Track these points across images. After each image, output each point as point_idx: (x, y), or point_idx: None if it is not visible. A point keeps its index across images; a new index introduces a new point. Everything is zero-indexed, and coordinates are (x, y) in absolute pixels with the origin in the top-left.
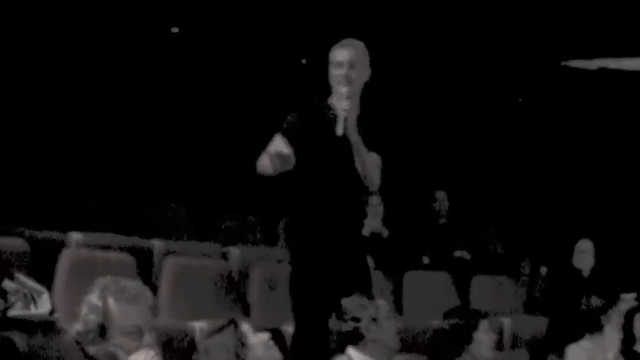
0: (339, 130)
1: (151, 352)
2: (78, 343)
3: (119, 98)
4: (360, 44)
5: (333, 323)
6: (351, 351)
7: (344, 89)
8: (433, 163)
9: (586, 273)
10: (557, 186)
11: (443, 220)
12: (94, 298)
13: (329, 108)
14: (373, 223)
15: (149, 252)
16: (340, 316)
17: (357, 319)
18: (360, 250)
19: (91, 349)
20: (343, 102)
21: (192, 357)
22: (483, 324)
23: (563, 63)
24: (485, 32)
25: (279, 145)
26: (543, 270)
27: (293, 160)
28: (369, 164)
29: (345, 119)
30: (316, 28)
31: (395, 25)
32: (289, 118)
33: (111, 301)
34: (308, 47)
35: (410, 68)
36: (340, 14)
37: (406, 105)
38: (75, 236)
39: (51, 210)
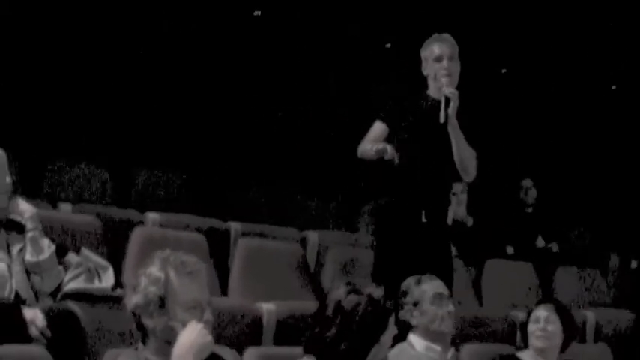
0: (442, 117)
1: (199, 325)
2: (135, 315)
3: (186, 87)
4: (451, 38)
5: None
6: (411, 337)
7: (444, 79)
8: (522, 152)
9: None
10: None
11: (529, 210)
12: (154, 270)
13: (427, 99)
14: (457, 211)
15: (226, 233)
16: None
17: (401, 305)
18: (444, 238)
19: (150, 322)
20: (449, 88)
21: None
22: (534, 312)
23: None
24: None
25: (382, 145)
26: (633, 264)
27: (395, 156)
28: (466, 151)
29: (450, 105)
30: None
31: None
32: (388, 103)
33: (172, 274)
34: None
35: (498, 54)
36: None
37: (497, 93)
38: (152, 216)
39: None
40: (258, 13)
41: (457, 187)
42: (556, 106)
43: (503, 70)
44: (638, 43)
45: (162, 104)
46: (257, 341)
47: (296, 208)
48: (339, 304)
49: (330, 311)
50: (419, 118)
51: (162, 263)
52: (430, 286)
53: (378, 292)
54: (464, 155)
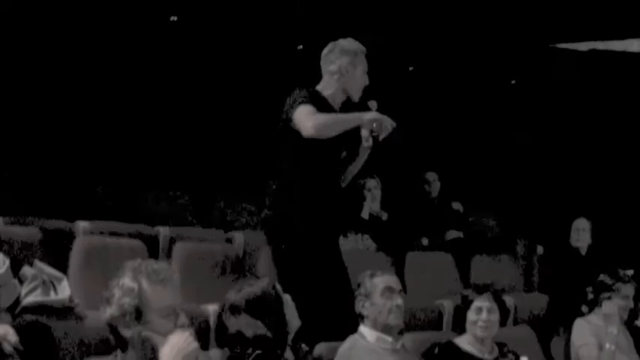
0: (369, 142)
1: (187, 333)
2: (112, 326)
3: (123, 94)
4: None
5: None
6: (362, 328)
7: (375, 104)
8: (424, 145)
9: (584, 251)
10: (552, 165)
11: (435, 202)
12: (127, 280)
13: (334, 100)
14: (372, 206)
15: (155, 239)
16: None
17: (354, 297)
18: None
19: (127, 332)
20: (388, 120)
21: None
22: (475, 303)
23: (552, 45)
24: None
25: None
26: (540, 249)
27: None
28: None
29: (381, 135)
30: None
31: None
32: (302, 92)
33: (145, 283)
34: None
35: (401, 54)
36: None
37: (398, 88)
38: (82, 224)
39: (58, 201)
40: (174, 18)
41: (371, 183)
42: (457, 99)
43: (411, 68)
44: (536, 40)
45: (83, 115)
46: (205, 343)
47: (214, 210)
48: (232, 307)
49: (226, 315)
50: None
51: (134, 273)
52: (381, 280)
53: (262, 284)
54: (357, 169)
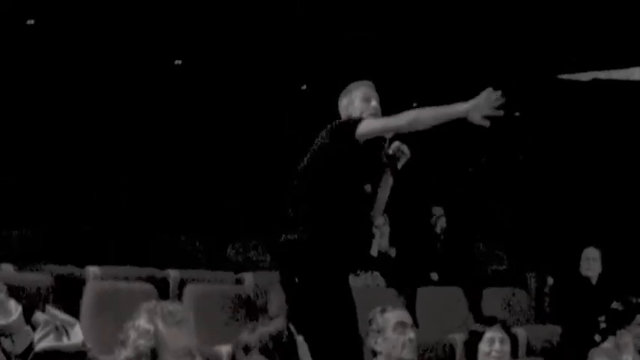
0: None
1: None
2: None
3: (132, 139)
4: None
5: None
6: None
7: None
8: (431, 180)
9: (594, 280)
10: (560, 196)
11: (442, 237)
12: (143, 322)
13: None
14: (380, 242)
15: (165, 281)
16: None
17: (366, 333)
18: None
19: None
20: (404, 145)
21: None
22: (487, 334)
23: (556, 76)
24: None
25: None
26: (550, 280)
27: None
28: (385, 200)
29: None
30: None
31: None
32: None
33: (160, 325)
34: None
35: (404, 90)
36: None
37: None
38: (92, 270)
39: (68, 247)
40: (179, 62)
41: (379, 220)
42: (462, 133)
43: (415, 104)
44: (538, 70)
45: (86, 155)
46: None
47: (225, 252)
48: (246, 347)
49: (239, 355)
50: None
51: (150, 315)
52: (393, 315)
53: (277, 324)
54: (383, 203)
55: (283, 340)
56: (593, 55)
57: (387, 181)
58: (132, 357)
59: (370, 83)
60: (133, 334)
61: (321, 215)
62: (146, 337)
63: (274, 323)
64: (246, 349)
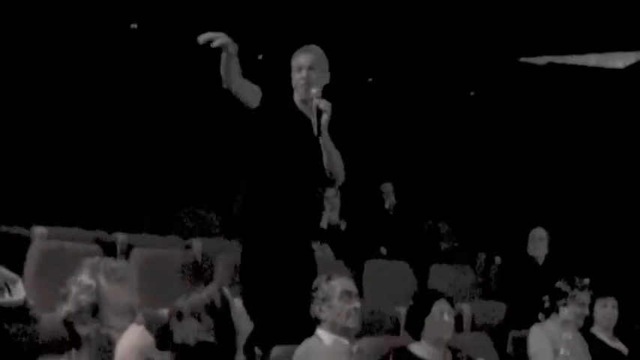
0: (316, 130)
1: (140, 328)
2: (68, 323)
3: (83, 96)
4: (318, 49)
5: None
6: (319, 331)
7: (314, 90)
8: (383, 155)
9: (541, 260)
10: (509, 176)
11: (391, 212)
12: (85, 278)
13: (293, 107)
14: (331, 215)
15: (113, 245)
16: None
17: (311, 300)
18: (307, 241)
19: (83, 330)
20: (323, 102)
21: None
22: (435, 306)
23: (512, 58)
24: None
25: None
26: (497, 260)
27: (256, 100)
28: (336, 158)
29: (323, 118)
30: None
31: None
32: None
33: (103, 281)
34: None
35: (363, 63)
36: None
37: (356, 100)
38: (39, 230)
39: (15, 206)
40: (134, 25)
41: (330, 192)
42: (416, 110)
43: (370, 79)
44: (495, 52)
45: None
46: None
47: (175, 217)
48: (179, 313)
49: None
50: (290, 124)
51: (92, 271)
52: (339, 284)
53: (209, 291)
54: (334, 161)
55: (216, 305)
56: (550, 40)
57: (324, 142)
58: (73, 312)
59: (309, 47)
60: (74, 289)
61: (255, 186)
62: (88, 292)
63: (207, 290)
64: (179, 316)
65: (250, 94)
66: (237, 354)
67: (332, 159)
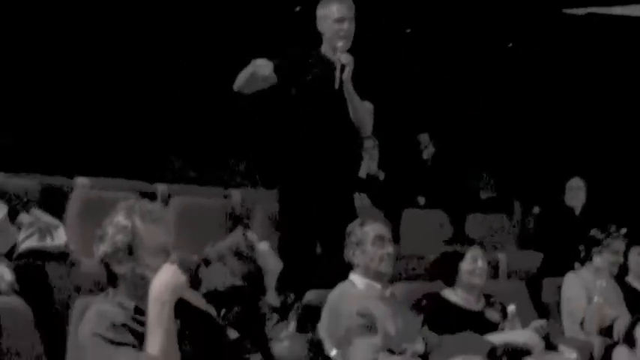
0: (337, 83)
1: (174, 266)
2: (105, 263)
3: (120, 56)
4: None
5: None
6: (352, 276)
7: (340, 43)
8: (421, 106)
9: (578, 210)
10: (547, 126)
11: (429, 163)
12: (121, 219)
13: (322, 58)
14: (369, 165)
15: (153, 195)
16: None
17: (345, 246)
18: (347, 190)
19: (119, 269)
20: (344, 54)
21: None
22: (469, 253)
23: (551, 9)
24: None
25: (261, 67)
26: (536, 209)
27: (273, 79)
28: (362, 111)
29: (346, 71)
30: None
31: None
32: (284, 56)
33: (138, 222)
34: None
35: (403, 14)
36: None
37: (394, 50)
38: (81, 181)
39: (59, 158)
40: None
41: (368, 143)
42: (454, 61)
43: (408, 30)
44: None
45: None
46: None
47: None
48: (205, 260)
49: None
50: (317, 77)
51: (128, 212)
52: (372, 228)
53: (233, 238)
54: (360, 114)
55: (240, 249)
56: None
57: (348, 95)
58: (109, 252)
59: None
60: (111, 230)
61: (290, 137)
62: (124, 233)
63: (231, 235)
64: (206, 262)
65: (261, 83)
66: (268, 293)
67: (357, 112)
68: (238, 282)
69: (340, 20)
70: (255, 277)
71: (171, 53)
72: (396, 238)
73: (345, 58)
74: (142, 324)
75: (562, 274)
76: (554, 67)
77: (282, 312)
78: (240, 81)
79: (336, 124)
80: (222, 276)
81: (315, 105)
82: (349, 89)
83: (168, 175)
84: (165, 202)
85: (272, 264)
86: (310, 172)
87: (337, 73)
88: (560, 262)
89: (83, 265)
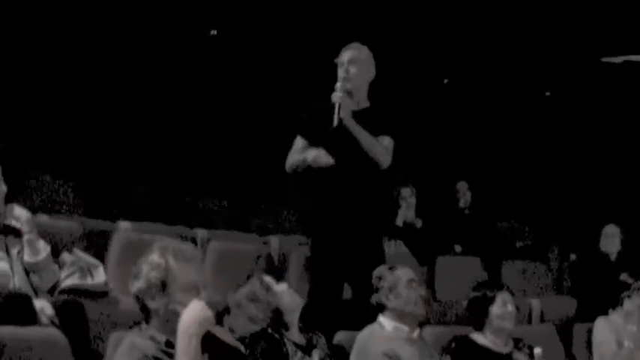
0: (335, 122)
1: (201, 303)
2: (139, 298)
3: (170, 100)
4: (362, 47)
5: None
6: (381, 319)
7: (338, 84)
8: (457, 154)
9: (613, 257)
10: (582, 174)
11: (466, 211)
12: (155, 257)
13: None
14: (406, 213)
15: (192, 240)
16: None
17: (376, 290)
18: (374, 230)
19: (152, 304)
20: (333, 94)
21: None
22: (499, 297)
23: (588, 57)
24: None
25: (318, 157)
26: (572, 256)
27: (329, 159)
28: (368, 144)
29: (339, 107)
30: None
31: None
32: (302, 116)
33: (171, 260)
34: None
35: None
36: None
37: (433, 100)
38: (123, 224)
39: (102, 202)
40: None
41: (405, 192)
42: (490, 109)
43: (446, 81)
44: (571, 51)
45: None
46: None
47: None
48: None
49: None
50: (326, 123)
51: (162, 251)
52: (403, 272)
53: (251, 285)
54: (367, 147)
55: (257, 296)
56: (626, 38)
57: (352, 132)
58: (143, 288)
59: (351, 45)
60: (145, 267)
61: (307, 188)
62: (157, 270)
63: (248, 284)
64: (227, 310)
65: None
66: (291, 331)
67: (365, 143)
68: (256, 328)
69: (340, 64)
70: (274, 317)
71: (204, 100)
72: (430, 285)
73: (334, 97)
74: (172, 357)
75: (595, 317)
76: (591, 115)
77: (307, 350)
78: (293, 166)
79: (354, 165)
80: (242, 323)
81: (327, 148)
82: (350, 125)
83: (206, 219)
84: (203, 246)
85: (291, 302)
86: (339, 215)
87: (335, 112)
88: (594, 308)
89: (122, 303)
